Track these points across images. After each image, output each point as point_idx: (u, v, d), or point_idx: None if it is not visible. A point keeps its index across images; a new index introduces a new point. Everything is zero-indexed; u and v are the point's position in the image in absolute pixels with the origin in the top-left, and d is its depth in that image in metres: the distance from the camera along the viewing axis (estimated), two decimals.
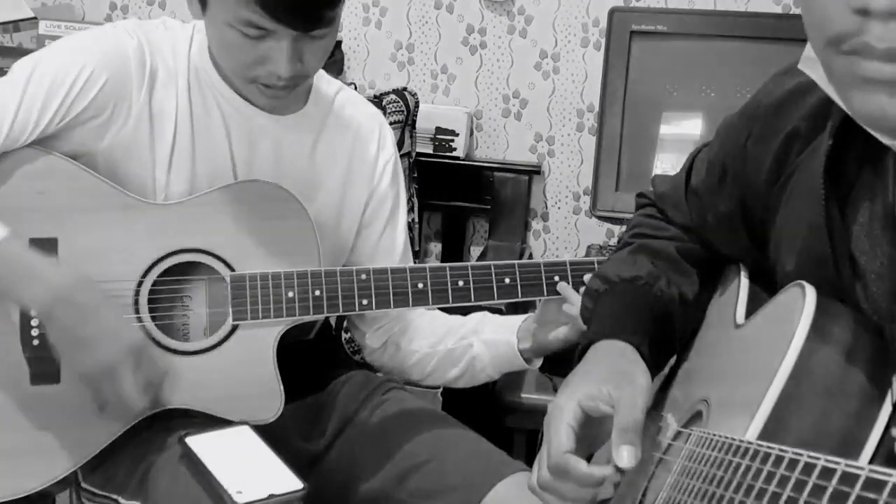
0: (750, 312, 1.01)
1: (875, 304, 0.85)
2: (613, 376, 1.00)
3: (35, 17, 2.35)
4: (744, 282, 1.07)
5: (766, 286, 1.02)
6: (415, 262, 1.60)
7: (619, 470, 0.95)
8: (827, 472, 0.64)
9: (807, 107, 0.95)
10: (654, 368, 1.05)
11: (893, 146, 0.81)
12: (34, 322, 1.29)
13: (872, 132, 0.81)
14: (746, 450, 0.77)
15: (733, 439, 0.81)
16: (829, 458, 0.65)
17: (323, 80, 1.48)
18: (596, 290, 1.14)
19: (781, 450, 0.72)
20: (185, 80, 1.36)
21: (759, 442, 0.77)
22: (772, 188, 0.98)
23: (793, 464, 0.69)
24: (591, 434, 0.99)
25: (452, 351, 1.51)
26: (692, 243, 1.14)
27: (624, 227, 1.25)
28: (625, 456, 0.94)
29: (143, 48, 1.33)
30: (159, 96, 1.34)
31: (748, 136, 1.02)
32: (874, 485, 0.58)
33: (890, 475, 0.57)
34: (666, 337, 1.09)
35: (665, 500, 0.92)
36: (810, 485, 0.65)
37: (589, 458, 0.99)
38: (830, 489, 0.62)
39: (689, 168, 1.15)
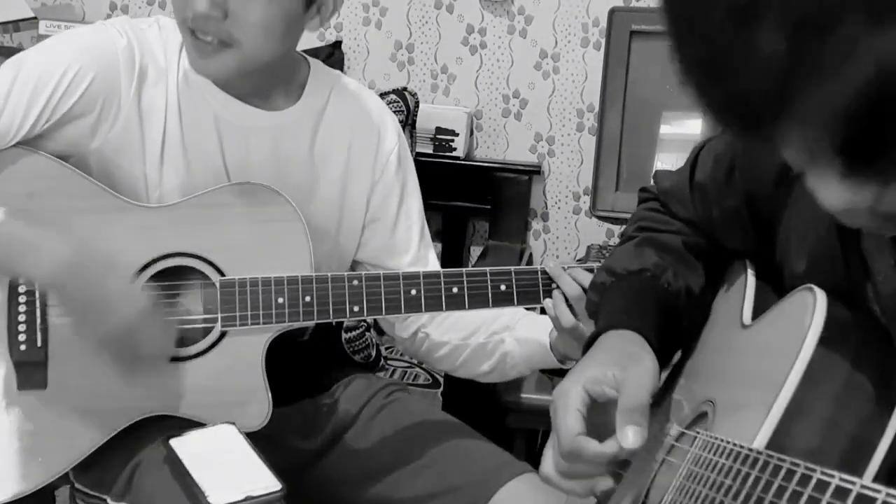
0: (757, 311, 0.99)
1: (884, 305, 0.84)
2: (619, 360, 0.98)
3: (35, 17, 2.36)
4: (750, 279, 1.05)
5: (772, 284, 1.00)
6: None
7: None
8: (841, 492, 0.63)
9: None
10: (660, 360, 1.02)
11: None
12: (21, 327, 1.29)
13: None
14: (756, 460, 0.76)
15: (741, 447, 0.80)
16: (844, 476, 0.63)
17: (320, 72, 1.46)
18: (602, 283, 1.13)
19: (793, 462, 0.70)
20: (174, 78, 1.35)
21: (770, 452, 0.76)
22: (779, 188, 0.97)
23: (805, 479, 0.67)
24: (600, 422, 0.97)
25: (484, 345, 1.48)
26: (697, 237, 1.12)
27: (624, 228, 1.23)
28: (630, 436, 0.92)
29: (133, 46, 1.32)
30: (148, 94, 1.33)
31: None
32: None
33: None
34: (672, 329, 1.07)
35: (670, 502, 0.90)
36: (824, 503, 0.64)
37: None
38: None
39: (693, 162, 1.12)
